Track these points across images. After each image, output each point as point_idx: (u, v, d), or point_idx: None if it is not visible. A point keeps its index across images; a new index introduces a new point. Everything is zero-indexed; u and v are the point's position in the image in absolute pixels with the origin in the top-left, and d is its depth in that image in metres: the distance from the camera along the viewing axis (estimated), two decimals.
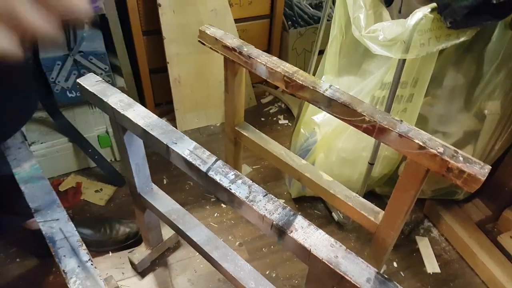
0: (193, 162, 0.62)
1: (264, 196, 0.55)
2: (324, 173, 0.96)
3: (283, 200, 1.32)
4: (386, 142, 0.69)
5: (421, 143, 0.64)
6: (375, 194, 1.28)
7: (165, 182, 1.35)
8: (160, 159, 1.36)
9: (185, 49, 1.39)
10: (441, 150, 0.62)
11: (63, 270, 0.51)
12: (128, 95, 0.76)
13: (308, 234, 0.48)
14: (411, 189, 0.71)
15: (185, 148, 0.64)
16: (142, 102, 1.53)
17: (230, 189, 0.57)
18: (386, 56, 0.82)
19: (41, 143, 1.27)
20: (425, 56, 0.81)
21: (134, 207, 0.99)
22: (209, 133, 1.57)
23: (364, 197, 0.91)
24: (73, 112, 1.33)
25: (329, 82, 1.08)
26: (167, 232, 1.12)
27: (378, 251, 0.85)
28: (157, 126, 0.68)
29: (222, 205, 1.29)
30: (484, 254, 1.10)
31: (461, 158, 0.60)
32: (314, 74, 1.16)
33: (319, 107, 0.78)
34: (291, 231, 0.49)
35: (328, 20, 1.06)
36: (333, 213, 1.26)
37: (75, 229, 0.56)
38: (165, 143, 0.65)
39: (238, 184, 0.58)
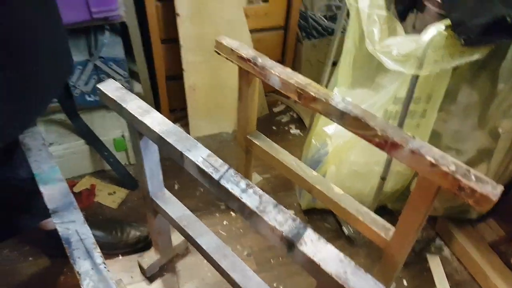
0: (205, 169, 0.63)
1: (274, 207, 0.56)
2: (335, 186, 0.96)
3: (293, 212, 1.32)
4: (398, 158, 0.70)
5: (433, 160, 0.64)
6: (387, 210, 1.27)
7: (176, 188, 1.37)
8: (172, 164, 1.38)
9: (201, 57, 1.42)
10: (453, 168, 0.62)
11: (78, 272, 0.52)
12: (145, 101, 0.78)
13: (318, 248, 0.49)
14: (422, 206, 0.71)
15: (199, 155, 0.65)
16: (158, 107, 1.56)
17: (241, 198, 0.58)
18: (399, 71, 0.82)
19: (59, 145, 1.30)
20: (439, 72, 0.81)
21: (145, 211, 1.01)
22: (221, 140, 1.59)
23: (376, 212, 0.91)
24: (91, 115, 1.37)
25: (342, 94, 1.09)
26: (176, 238, 1.14)
27: (388, 268, 0.85)
28: (172, 133, 0.70)
29: (232, 213, 1.30)
30: (497, 276, 1.08)
31: (473, 177, 0.60)
32: (327, 85, 1.17)
33: (331, 120, 0.79)
34: (301, 244, 0.49)
35: (342, 32, 1.08)
36: (343, 227, 1.25)
37: (90, 231, 0.58)
38: (179, 149, 0.66)
39: (249, 193, 0.59)
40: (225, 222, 1.27)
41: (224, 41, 0.97)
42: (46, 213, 0.96)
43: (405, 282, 1.15)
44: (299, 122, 1.68)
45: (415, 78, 0.82)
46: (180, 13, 1.31)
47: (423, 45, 0.76)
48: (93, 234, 0.57)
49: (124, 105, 0.76)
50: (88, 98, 1.31)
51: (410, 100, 0.85)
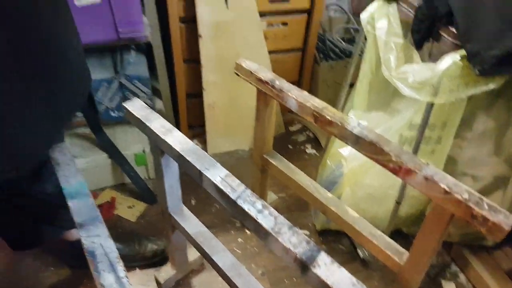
0: (223, 189, 0.65)
1: (289, 228, 0.58)
2: (350, 208, 0.97)
3: (308, 232, 1.33)
4: (411, 184, 0.71)
5: (446, 188, 0.65)
6: (402, 234, 1.27)
7: (193, 203, 1.40)
8: (190, 180, 1.39)
9: (221, 77, 1.47)
10: (466, 196, 0.63)
11: (101, 284, 0.55)
12: (165, 117, 0.82)
13: (331, 271, 0.50)
14: (436, 233, 0.71)
15: (217, 175, 0.68)
16: (177, 124, 1.61)
17: (257, 218, 0.60)
18: (415, 98, 0.84)
19: (83, 158, 1.36)
20: (455, 100, 0.83)
21: (163, 226, 1.04)
22: (238, 157, 1.62)
23: (390, 235, 0.92)
24: (114, 130, 1.42)
25: (358, 117, 1.11)
26: (192, 254, 1.16)
27: None
28: (192, 152, 0.73)
29: (247, 231, 1.32)
30: None
31: (485, 206, 0.61)
32: (344, 107, 1.19)
33: (346, 143, 0.81)
34: (314, 267, 0.51)
35: (360, 55, 1.10)
36: (358, 249, 1.25)
37: (114, 245, 0.61)
38: (198, 168, 0.69)
39: (265, 214, 0.61)
40: (240, 240, 1.29)
41: (244, 64, 1.01)
42: (69, 225, 1.01)
43: None
44: (315, 142, 1.70)
45: (430, 105, 0.84)
46: (202, 35, 1.36)
47: (439, 74, 0.78)
48: None
49: (148, 124, 0.79)
50: (112, 114, 1.36)
51: (425, 127, 0.87)
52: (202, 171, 0.68)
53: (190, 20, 1.36)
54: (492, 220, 0.59)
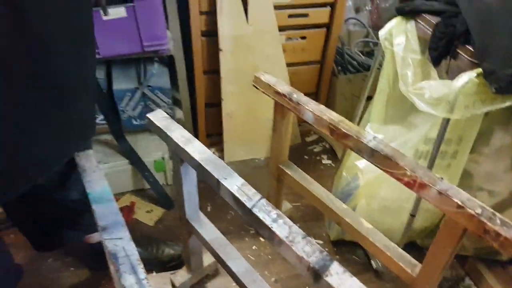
0: (240, 197, 0.68)
1: (303, 238, 0.60)
2: (364, 220, 0.98)
3: (322, 242, 1.34)
4: (425, 198, 0.72)
5: (459, 202, 0.66)
6: (416, 246, 1.26)
7: (209, 209, 1.43)
8: (206, 187, 1.42)
9: (239, 88, 1.50)
10: (479, 211, 0.64)
11: (123, 285, 0.58)
12: (184, 126, 0.85)
13: (343, 280, 0.52)
14: (449, 246, 0.72)
15: (234, 184, 0.71)
16: (196, 132, 1.65)
17: (272, 227, 0.62)
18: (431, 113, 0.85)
19: (105, 163, 1.41)
20: (471, 116, 0.83)
21: (180, 231, 1.07)
22: (254, 166, 1.65)
23: (404, 248, 0.92)
24: (135, 138, 1.47)
25: (375, 129, 1.12)
26: (207, 259, 1.19)
27: None
28: (210, 161, 0.76)
29: (261, 239, 1.34)
30: None
31: (498, 221, 0.62)
32: (361, 119, 1.20)
33: (362, 156, 0.83)
34: (327, 276, 0.53)
35: (378, 69, 1.11)
36: (372, 260, 1.25)
37: (135, 249, 0.64)
38: (216, 177, 0.72)
39: (280, 223, 0.63)
40: (254, 247, 1.31)
41: (263, 77, 1.04)
42: (90, 229, 1.05)
43: None
44: (331, 153, 1.71)
45: (447, 120, 0.85)
46: (223, 49, 1.41)
47: (455, 91, 0.79)
48: None
49: (169, 134, 0.83)
50: (134, 122, 1.42)
51: (441, 141, 0.87)
52: (220, 180, 0.71)
53: (211, 34, 1.41)
54: (505, 235, 0.60)
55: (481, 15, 0.82)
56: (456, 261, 1.24)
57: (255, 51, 1.45)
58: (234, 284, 0.94)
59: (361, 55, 1.70)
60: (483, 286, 1.18)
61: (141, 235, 1.33)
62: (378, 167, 0.80)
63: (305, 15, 1.47)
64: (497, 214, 0.63)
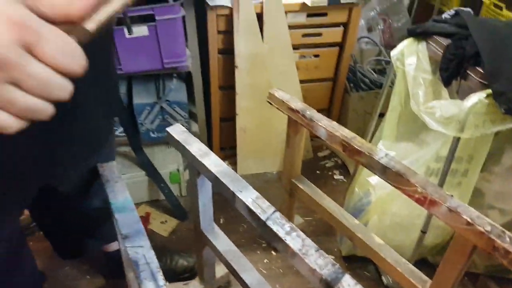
0: (254, 210, 0.71)
1: (316, 251, 0.62)
2: (376, 236, 1.00)
3: (333, 257, 1.35)
4: (436, 215, 0.74)
5: (469, 220, 0.67)
6: (428, 263, 1.27)
7: (221, 222, 1.46)
8: (220, 199, 1.46)
9: (253, 104, 1.55)
10: (488, 228, 0.65)
11: None
12: (200, 139, 0.89)
13: None
14: (458, 263, 0.73)
15: (249, 196, 0.73)
16: (210, 145, 1.69)
17: (285, 239, 0.65)
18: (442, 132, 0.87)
19: (123, 174, 1.44)
20: (481, 135, 0.85)
21: (194, 242, 1.10)
22: (266, 179, 1.67)
23: (415, 264, 0.93)
24: (152, 150, 1.52)
25: (387, 147, 1.14)
26: (219, 270, 1.21)
27: None
28: (226, 174, 0.79)
29: (273, 252, 1.35)
30: None
31: (507, 239, 0.63)
32: (373, 136, 1.22)
33: (374, 173, 0.85)
34: None
35: (390, 86, 1.14)
36: (383, 276, 1.26)
37: (155, 257, 0.67)
38: (232, 190, 0.75)
39: (293, 236, 0.65)
40: (265, 260, 1.33)
41: (277, 94, 1.07)
42: (109, 238, 1.09)
43: None
44: (343, 168, 1.73)
45: (457, 138, 0.87)
46: (238, 66, 1.46)
47: (465, 110, 0.81)
48: None
49: (187, 147, 0.87)
50: (152, 135, 1.46)
51: (451, 160, 0.89)
52: (235, 193, 0.74)
53: (227, 51, 1.46)
54: None
55: (491, 38, 0.84)
56: (467, 279, 1.23)
57: (269, 68, 1.50)
58: None
59: (373, 73, 1.73)
60: None
61: (155, 246, 1.32)
62: (389, 183, 0.82)
63: (319, 35, 1.52)
64: (507, 232, 0.64)
